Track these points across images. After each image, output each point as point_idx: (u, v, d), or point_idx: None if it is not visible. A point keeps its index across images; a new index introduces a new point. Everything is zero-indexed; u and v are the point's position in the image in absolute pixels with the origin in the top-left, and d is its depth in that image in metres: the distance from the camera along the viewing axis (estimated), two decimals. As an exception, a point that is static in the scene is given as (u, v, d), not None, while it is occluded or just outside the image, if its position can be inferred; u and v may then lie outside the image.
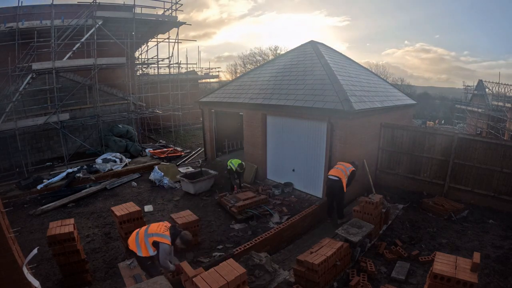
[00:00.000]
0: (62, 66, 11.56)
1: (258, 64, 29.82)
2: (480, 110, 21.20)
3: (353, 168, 6.90)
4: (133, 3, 13.31)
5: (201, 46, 33.54)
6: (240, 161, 8.66)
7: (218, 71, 26.16)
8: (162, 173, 9.65)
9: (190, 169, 10.83)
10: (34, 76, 11.23)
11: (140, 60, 16.29)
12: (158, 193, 8.94)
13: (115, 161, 10.97)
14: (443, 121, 28.78)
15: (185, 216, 5.79)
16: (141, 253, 3.98)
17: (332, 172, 6.85)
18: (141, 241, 4.03)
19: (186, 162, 12.55)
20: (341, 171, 6.72)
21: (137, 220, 5.18)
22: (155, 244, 3.94)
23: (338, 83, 7.94)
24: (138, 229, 4.23)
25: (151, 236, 4.00)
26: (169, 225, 4.20)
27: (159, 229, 4.05)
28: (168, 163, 11.09)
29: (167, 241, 3.95)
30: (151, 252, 3.96)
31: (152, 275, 3.99)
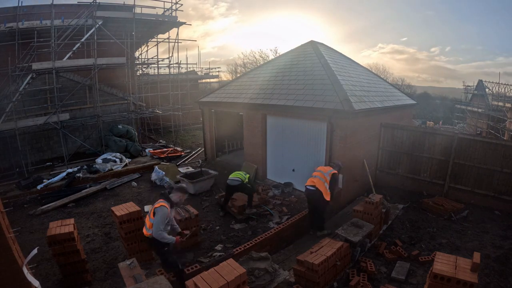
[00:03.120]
0: (62, 66, 11.56)
1: (258, 64, 29.82)
2: (480, 110, 21.20)
3: (334, 171, 6.17)
4: (133, 3, 13.33)
5: (183, 55, 33.61)
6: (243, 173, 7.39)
7: (218, 71, 26.11)
8: (164, 172, 9.64)
9: (190, 169, 10.82)
10: (34, 76, 11.23)
11: (140, 60, 16.30)
12: (158, 193, 8.93)
13: (115, 161, 10.97)
14: (441, 122, 28.60)
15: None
16: (150, 231, 4.14)
17: (308, 181, 6.17)
18: (147, 222, 4.25)
19: (186, 162, 12.54)
20: (318, 178, 6.05)
21: (137, 220, 5.16)
22: (155, 213, 4.10)
23: (338, 83, 7.94)
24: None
25: (151, 212, 4.20)
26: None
27: (155, 205, 4.26)
28: (168, 163, 11.09)
29: (163, 203, 4.13)
30: None
31: (169, 263, 4.23)
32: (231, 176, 7.21)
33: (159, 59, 14.92)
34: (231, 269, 3.19)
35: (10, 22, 11.81)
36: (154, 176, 9.72)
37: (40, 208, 7.74)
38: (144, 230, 4.33)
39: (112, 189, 9.36)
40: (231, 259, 3.42)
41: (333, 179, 6.10)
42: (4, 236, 3.00)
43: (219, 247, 5.97)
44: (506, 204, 7.29)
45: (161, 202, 4.16)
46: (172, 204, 4.28)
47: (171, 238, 4.14)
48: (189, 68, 21.75)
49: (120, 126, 13.29)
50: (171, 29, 15.02)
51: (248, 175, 7.43)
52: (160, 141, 16.70)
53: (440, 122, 28.66)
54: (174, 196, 4.31)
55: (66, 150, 11.25)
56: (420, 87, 50.83)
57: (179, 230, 4.60)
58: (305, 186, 6.22)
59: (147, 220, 4.28)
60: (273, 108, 8.75)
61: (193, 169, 10.67)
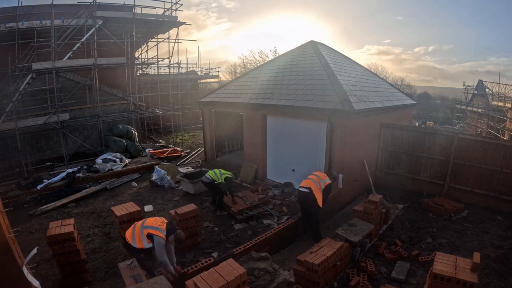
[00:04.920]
0: (62, 66, 11.56)
1: (258, 64, 29.81)
2: (480, 110, 21.20)
3: (329, 181, 6.10)
4: (133, 3, 13.32)
5: (183, 56, 32.57)
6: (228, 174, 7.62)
7: (218, 71, 26.10)
8: (165, 172, 9.63)
9: (190, 169, 10.83)
10: (34, 76, 11.23)
11: (140, 60, 16.29)
12: (158, 193, 8.95)
13: (115, 161, 10.97)
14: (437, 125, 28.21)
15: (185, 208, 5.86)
16: (136, 245, 4.12)
17: (303, 183, 6.03)
18: (137, 233, 4.16)
19: (186, 162, 12.55)
20: (314, 182, 5.94)
21: (137, 220, 5.17)
22: (150, 237, 4.05)
23: (338, 83, 7.94)
24: (135, 222, 4.39)
25: (146, 228, 4.14)
26: (166, 220, 4.33)
27: (155, 223, 4.21)
28: (168, 163, 11.09)
29: (161, 234, 4.06)
30: (146, 244, 4.08)
31: (146, 267, 4.20)
32: (207, 174, 7.57)
33: (159, 59, 14.92)
34: (231, 269, 3.19)
35: (10, 22, 11.79)
36: (154, 176, 9.72)
37: (40, 208, 7.74)
38: (130, 237, 4.16)
39: (112, 189, 9.36)
40: (231, 259, 3.42)
41: (327, 189, 6.04)
42: (4, 236, 3.01)
43: (214, 254, 5.77)
44: (506, 204, 7.28)
45: (159, 232, 4.04)
46: (167, 240, 4.14)
47: (171, 269, 4.06)
48: (189, 68, 21.75)
49: (120, 126, 13.29)
50: (171, 29, 15.00)
51: (226, 175, 7.48)
52: (160, 141, 16.70)
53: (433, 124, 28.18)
54: (171, 239, 4.15)
55: (66, 150, 11.24)
56: (420, 87, 50.83)
57: (175, 264, 4.39)
58: (299, 188, 6.06)
59: (138, 234, 4.11)
60: (273, 108, 8.75)
61: (193, 169, 10.67)
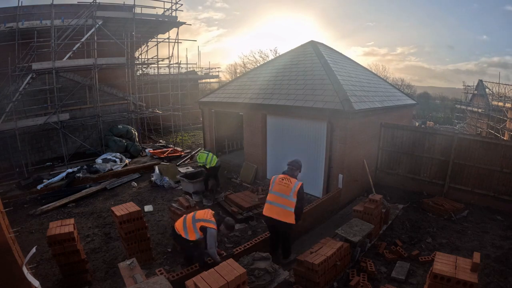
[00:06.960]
0: (62, 66, 11.56)
1: (258, 64, 29.80)
2: (480, 110, 21.21)
3: (299, 184, 4.72)
4: (133, 3, 13.33)
5: (183, 55, 32.11)
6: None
7: (218, 71, 26.12)
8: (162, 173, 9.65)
9: (190, 169, 10.82)
10: (34, 76, 11.23)
11: (140, 60, 16.29)
12: (158, 193, 8.95)
13: (115, 161, 10.97)
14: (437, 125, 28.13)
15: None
16: (188, 237, 4.35)
17: (266, 210, 4.88)
18: (188, 225, 4.38)
19: (186, 162, 12.54)
20: (282, 208, 4.71)
21: (137, 220, 5.16)
22: (203, 229, 4.29)
23: (338, 83, 7.94)
24: (185, 215, 4.62)
25: (199, 221, 4.36)
26: (213, 212, 4.59)
27: (206, 215, 4.44)
28: (168, 163, 11.09)
29: (214, 226, 4.32)
30: (198, 236, 4.33)
31: (194, 255, 4.46)
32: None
33: (159, 59, 14.92)
34: (231, 269, 3.18)
35: (10, 22, 11.80)
36: (154, 176, 9.72)
37: (40, 208, 7.75)
38: (181, 229, 4.42)
39: (112, 189, 9.36)
40: (231, 259, 3.41)
41: (300, 194, 4.70)
42: (4, 236, 3.01)
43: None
44: (506, 204, 7.28)
45: (212, 224, 4.34)
46: (218, 230, 4.47)
47: (219, 260, 4.22)
48: (189, 68, 21.75)
49: (120, 126, 13.29)
50: (171, 29, 15.01)
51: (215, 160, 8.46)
52: (160, 141, 16.70)
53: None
54: (223, 228, 4.45)
55: (66, 150, 11.24)
56: (419, 87, 50.86)
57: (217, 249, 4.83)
58: (265, 215, 4.95)
59: (190, 227, 4.37)
60: (273, 108, 8.75)
61: (193, 169, 10.66)
